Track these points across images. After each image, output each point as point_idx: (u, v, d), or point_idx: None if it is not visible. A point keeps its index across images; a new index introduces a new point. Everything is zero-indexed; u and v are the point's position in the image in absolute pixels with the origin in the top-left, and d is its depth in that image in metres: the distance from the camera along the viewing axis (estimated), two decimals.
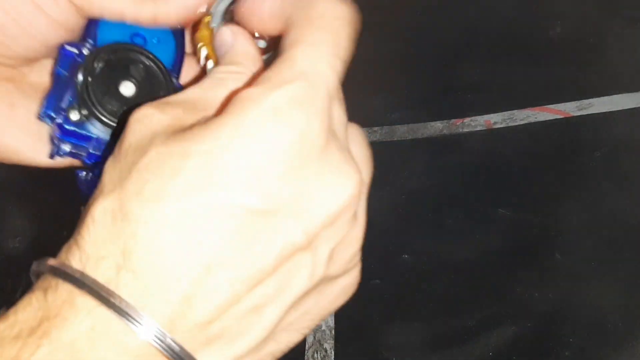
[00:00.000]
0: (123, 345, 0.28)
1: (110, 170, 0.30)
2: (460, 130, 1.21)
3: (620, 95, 1.24)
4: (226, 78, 0.33)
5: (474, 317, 1.00)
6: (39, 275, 0.30)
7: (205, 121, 0.30)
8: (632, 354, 0.95)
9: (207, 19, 0.38)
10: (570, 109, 1.22)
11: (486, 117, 1.22)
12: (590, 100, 1.23)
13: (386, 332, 0.99)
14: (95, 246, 0.29)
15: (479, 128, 1.21)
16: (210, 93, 0.32)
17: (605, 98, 1.23)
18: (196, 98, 0.32)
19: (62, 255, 0.30)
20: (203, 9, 0.37)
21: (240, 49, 0.35)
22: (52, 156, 0.40)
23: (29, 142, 0.40)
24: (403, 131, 1.19)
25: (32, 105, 0.40)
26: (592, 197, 1.11)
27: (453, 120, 1.21)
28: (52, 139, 0.39)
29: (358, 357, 0.99)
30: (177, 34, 0.40)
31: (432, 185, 1.06)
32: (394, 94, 1.24)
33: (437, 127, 1.22)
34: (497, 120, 1.22)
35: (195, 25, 0.38)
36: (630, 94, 1.23)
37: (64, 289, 0.28)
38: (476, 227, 1.08)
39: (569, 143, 1.19)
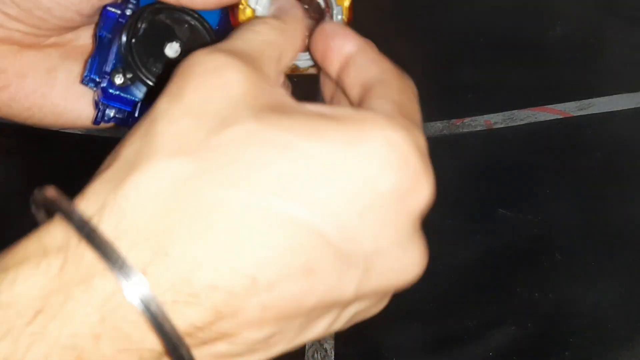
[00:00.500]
0: (131, 341, 0.24)
1: (172, 122, 0.26)
2: (460, 130, 1.21)
3: (620, 95, 1.23)
4: (262, 30, 0.30)
5: (474, 317, 1.00)
6: (47, 210, 0.26)
7: (316, 116, 0.26)
8: (632, 354, 0.95)
9: (245, 7, 0.36)
10: (570, 109, 1.22)
11: (486, 117, 1.22)
12: (590, 100, 1.23)
13: (386, 332, 0.99)
14: (140, 214, 0.24)
15: (479, 128, 1.21)
16: (258, 46, 0.29)
17: (606, 98, 1.23)
18: (254, 52, 0.29)
19: (89, 203, 0.25)
20: None
21: (289, 11, 0.33)
22: (96, 122, 0.38)
23: (71, 106, 0.39)
24: None
25: (74, 68, 0.39)
26: (592, 197, 1.11)
27: (453, 120, 1.21)
28: (96, 104, 0.38)
29: (358, 357, 0.98)
30: None
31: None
32: None
33: (437, 127, 1.22)
34: (497, 120, 1.22)
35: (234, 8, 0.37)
36: (630, 94, 1.23)
37: (86, 262, 0.24)
38: (476, 227, 1.08)
39: (569, 143, 1.19)
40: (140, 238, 0.24)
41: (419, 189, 0.27)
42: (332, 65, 0.33)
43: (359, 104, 0.31)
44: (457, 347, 0.98)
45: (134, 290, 0.24)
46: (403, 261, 0.27)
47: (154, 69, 0.37)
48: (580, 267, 1.04)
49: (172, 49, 0.37)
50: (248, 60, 0.28)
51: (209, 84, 0.26)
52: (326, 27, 0.33)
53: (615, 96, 1.23)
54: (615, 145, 1.17)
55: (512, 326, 0.98)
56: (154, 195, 0.25)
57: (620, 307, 0.99)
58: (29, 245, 0.25)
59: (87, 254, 0.24)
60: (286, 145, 0.25)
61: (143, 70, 0.36)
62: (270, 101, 0.27)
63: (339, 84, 0.33)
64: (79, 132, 1.14)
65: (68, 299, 0.24)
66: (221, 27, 0.38)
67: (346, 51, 0.32)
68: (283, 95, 0.28)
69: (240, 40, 0.29)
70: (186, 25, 0.37)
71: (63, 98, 0.39)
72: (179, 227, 0.24)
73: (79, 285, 0.24)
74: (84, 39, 0.40)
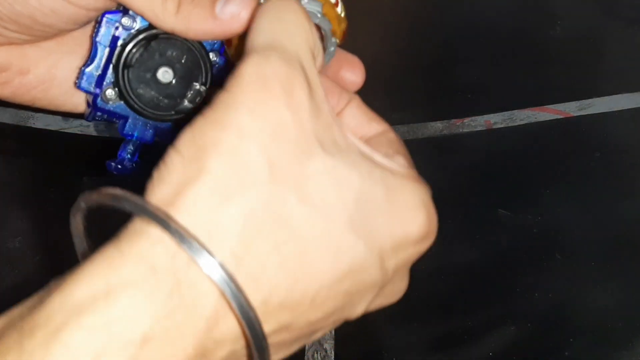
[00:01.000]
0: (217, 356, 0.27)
1: (261, 144, 0.28)
2: (460, 130, 1.21)
3: (620, 95, 1.23)
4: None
5: (474, 317, 1.00)
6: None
7: (372, 160, 0.31)
8: (632, 354, 0.95)
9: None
10: (570, 109, 1.22)
11: (486, 117, 1.22)
12: (590, 100, 1.23)
13: (386, 332, 0.99)
14: (237, 239, 0.27)
15: (479, 128, 1.21)
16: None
17: (605, 98, 1.23)
18: (302, 53, 0.31)
19: (188, 220, 0.27)
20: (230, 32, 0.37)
21: None
22: (88, 119, 0.40)
23: (70, 99, 0.41)
24: (403, 131, 1.19)
25: (74, 63, 0.40)
26: (592, 197, 1.11)
27: (453, 120, 1.21)
28: (88, 104, 0.40)
29: (358, 357, 0.99)
30: None
31: (432, 185, 1.05)
32: (394, 94, 1.24)
33: (437, 127, 1.22)
34: (497, 120, 1.22)
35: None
36: (630, 94, 1.23)
37: (194, 287, 0.26)
38: (476, 227, 1.08)
39: (569, 143, 1.19)
40: (237, 263, 0.27)
41: (432, 235, 0.33)
42: None
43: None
44: (457, 347, 0.98)
45: (244, 315, 0.26)
46: (399, 288, 0.33)
47: (146, 96, 0.38)
48: (580, 267, 1.04)
49: (164, 75, 0.38)
50: (303, 66, 0.30)
51: (282, 102, 0.29)
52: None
53: (615, 96, 1.23)
54: (615, 145, 1.17)
55: (512, 326, 0.99)
56: (248, 219, 0.27)
57: (620, 307, 0.99)
58: (132, 260, 0.26)
59: (195, 278, 0.26)
60: (354, 186, 0.29)
61: (134, 98, 0.38)
62: (326, 124, 0.30)
63: None
64: (79, 132, 1.14)
65: (173, 326, 0.26)
66: (216, 48, 0.39)
67: (341, 106, 0.36)
68: (329, 114, 0.31)
69: (283, 36, 0.31)
70: (181, 51, 0.38)
71: (63, 92, 0.40)
72: (265, 254, 0.27)
73: (184, 310, 0.26)
74: (86, 29, 0.40)
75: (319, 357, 0.96)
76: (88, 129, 1.13)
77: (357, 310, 0.31)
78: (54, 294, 0.26)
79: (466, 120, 1.22)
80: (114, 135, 1.07)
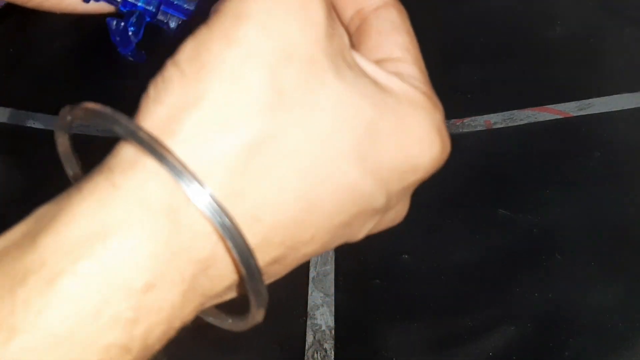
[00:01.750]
0: (209, 296, 0.26)
1: (270, 67, 0.25)
2: (460, 130, 1.21)
3: (620, 95, 1.23)
4: None
5: (474, 317, 1.00)
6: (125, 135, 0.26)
7: (379, 85, 0.29)
8: (632, 354, 0.95)
9: None
10: (570, 109, 1.22)
11: (486, 117, 1.22)
12: (590, 100, 1.23)
13: (386, 332, 0.99)
14: (238, 176, 0.25)
15: (479, 128, 1.21)
16: None
17: (605, 98, 1.23)
18: None
19: (188, 151, 0.24)
20: None
21: None
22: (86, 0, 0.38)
23: None
24: None
25: None
26: (592, 197, 1.11)
27: (453, 120, 1.21)
28: None
29: (358, 357, 0.98)
30: None
31: (432, 185, 1.05)
32: None
33: None
34: (497, 120, 1.22)
35: None
36: (630, 94, 1.23)
37: (194, 228, 0.24)
38: (476, 227, 1.08)
39: (569, 143, 1.19)
40: (238, 201, 0.25)
41: (443, 161, 0.32)
42: None
43: (358, 35, 0.32)
44: (457, 347, 0.98)
45: (244, 260, 0.24)
46: (401, 212, 0.32)
47: None
48: (580, 267, 1.04)
49: None
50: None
51: (298, 17, 0.26)
52: None
53: (615, 96, 1.23)
54: (615, 145, 1.17)
55: (512, 326, 0.98)
56: (250, 152, 0.25)
57: (620, 307, 0.99)
58: (127, 198, 0.24)
59: (193, 219, 0.24)
60: (366, 117, 0.27)
61: None
62: (340, 47, 0.27)
63: None
64: (79, 132, 1.13)
65: (172, 270, 0.24)
66: None
67: None
68: (343, 37, 0.28)
69: None
70: None
71: None
72: (268, 191, 0.25)
73: (183, 254, 0.24)
74: None
75: (319, 357, 0.96)
76: (88, 128, 1.12)
77: (357, 237, 0.30)
78: (46, 233, 0.25)
79: (466, 120, 1.22)
80: (115, 136, 1.07)
